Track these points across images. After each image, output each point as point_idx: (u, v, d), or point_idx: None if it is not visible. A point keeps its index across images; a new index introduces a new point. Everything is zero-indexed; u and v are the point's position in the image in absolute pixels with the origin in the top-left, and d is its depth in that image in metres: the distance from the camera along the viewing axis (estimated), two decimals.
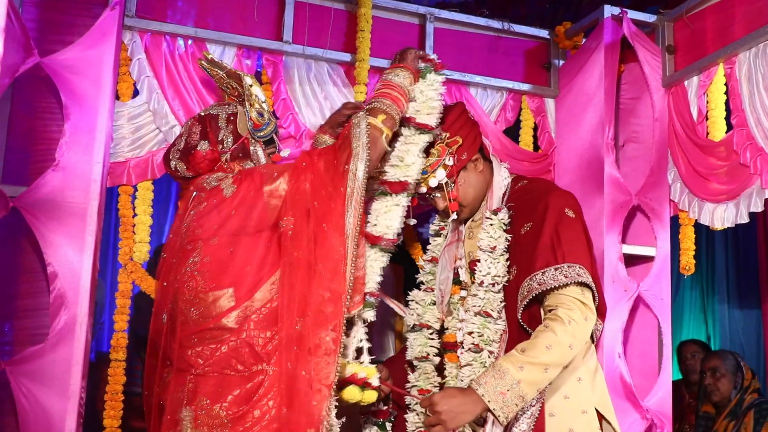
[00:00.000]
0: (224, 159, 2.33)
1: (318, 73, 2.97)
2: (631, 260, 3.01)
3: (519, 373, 2.22)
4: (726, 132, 2.83)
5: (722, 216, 2.81)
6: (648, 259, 3.05)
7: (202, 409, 2.08)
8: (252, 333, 2.12)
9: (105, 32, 2.57)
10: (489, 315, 2.42)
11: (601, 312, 2.51)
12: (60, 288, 2.40)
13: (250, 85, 2.42)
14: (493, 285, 2.43)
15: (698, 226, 3.02)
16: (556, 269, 2.32)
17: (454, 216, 2.52)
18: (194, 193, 2.26)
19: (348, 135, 2.21)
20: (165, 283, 2.21)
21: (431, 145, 2.45)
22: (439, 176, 2.47)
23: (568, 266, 2.32)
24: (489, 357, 2.39)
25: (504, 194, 2.57)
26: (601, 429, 2.42)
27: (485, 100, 3.22)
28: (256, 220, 2.16)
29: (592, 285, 2.35)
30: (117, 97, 2.73)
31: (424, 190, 2.51)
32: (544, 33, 3.32)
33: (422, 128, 2.39)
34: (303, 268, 2.13)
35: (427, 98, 2.38)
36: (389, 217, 2.37)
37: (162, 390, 2.19)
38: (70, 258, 2.42)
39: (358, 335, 2.33)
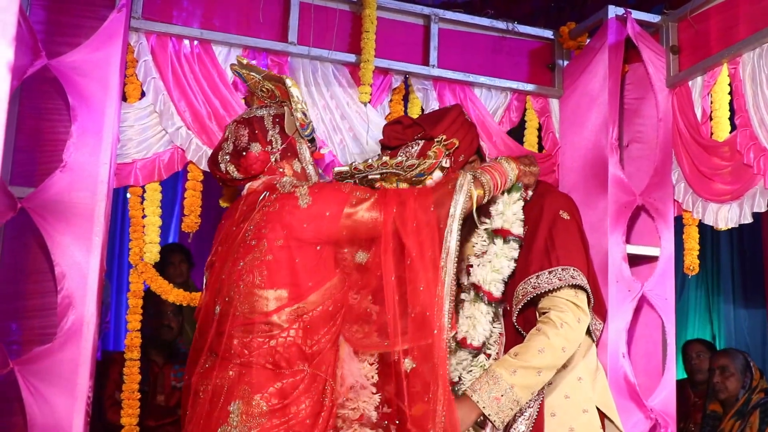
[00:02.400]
0: (273, 159, 2.40)
1: (323, 74, 2.98)
2: (635, 260, 3.02)
3: (512, 378, 2.24)
4: (730, 132, 2.84)
5: (726, 216, 2.82)
6: (652, 259, 3.05)
7: (243, 399, 2.12)
8: (301, 333, 2.18)
9: (111, 34, 2.58)
10: None
11: (601, 312, 2.53)
12: (67, 288, 2.42)
13: (290, 87, 2.47)
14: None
15: (704, 226, 3.02)
16: (550, 272, 2.34)
17: None
18: (265, 193, 2.31)
19: (448, 191, 2.27)
20: (223, 276, 2.26)
21: (428, 146, 2.46)
22: (436, 178, 2.49)
23: (562, 269, 2.34)
24: (487, 360, 2.41)
25: None
26: (603, 428, 2.43)
27: (489, 100, 3.22)
28: (327, 235, 2.23)
29: (587, 287, 2.37)
30: (124, 99, 2.75)
31: None
32: (548, 33, 3.33)
33: (517, 239, 2.42)
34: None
35: (513, 212, 2.42)
36: (479, 323, 2.39)
37: (200, 377, 2.23)
38: (78, 258, 2.44)
39: None
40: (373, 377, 2.25)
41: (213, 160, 2.48)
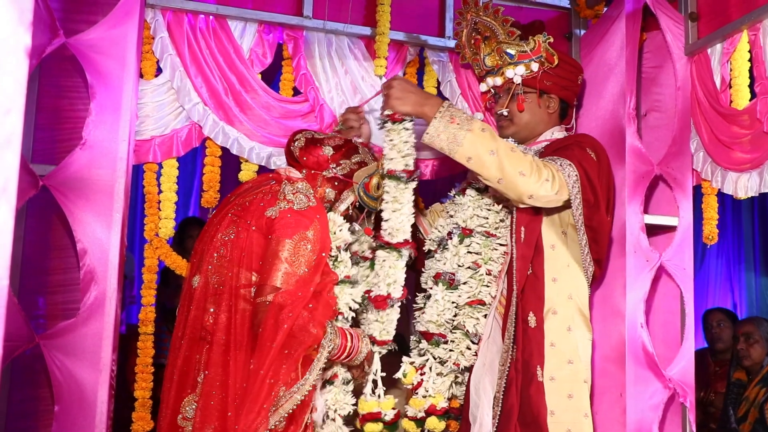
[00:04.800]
0: (324, 173, 2.45)
1: (339, 48, 2.98)
2: (653, 230, 3.01)
3: (478, 131, 2.31)
4: (749, 100, 2.81)
5: (746, 185, 2.79)
6: (670, 229, 3.04)
7: (217, 381, 2.14)
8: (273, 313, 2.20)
9: (128, 11, 2.59)
10: (489, 234, 2.54)
11: (599, 259, 2.64)
12: (90, 264, 2.46)
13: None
14: (492, 206, 2.57)
15: (725, 194, 2.99)
16: (551, 159, 2.45)
17: (503, 111, 2.65)
18: (274, 181, 2.37)
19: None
20: (204, 243, 2.31)
21: (531, 34, 2.57)
22: (518, 72, 2.58)
23: (559, 159, 2.44)
24: (488, 275, 2.46)
25: (543, 148, 2.68)
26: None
27: None
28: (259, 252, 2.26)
29: (570, 192, 2.44)
30: (141, 76, 2.77)
31: (499, 82, 2.63)
32: (565, 2, 3.30)
33: (402, 174, 2.43)
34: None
35: (400, 145, 2.45)
36: (393, 273, 2.42)
37: (175, 356, 2.28)
38: (99, 234, 2.47)
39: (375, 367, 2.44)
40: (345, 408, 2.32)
41: (300, 129, 2.57)
